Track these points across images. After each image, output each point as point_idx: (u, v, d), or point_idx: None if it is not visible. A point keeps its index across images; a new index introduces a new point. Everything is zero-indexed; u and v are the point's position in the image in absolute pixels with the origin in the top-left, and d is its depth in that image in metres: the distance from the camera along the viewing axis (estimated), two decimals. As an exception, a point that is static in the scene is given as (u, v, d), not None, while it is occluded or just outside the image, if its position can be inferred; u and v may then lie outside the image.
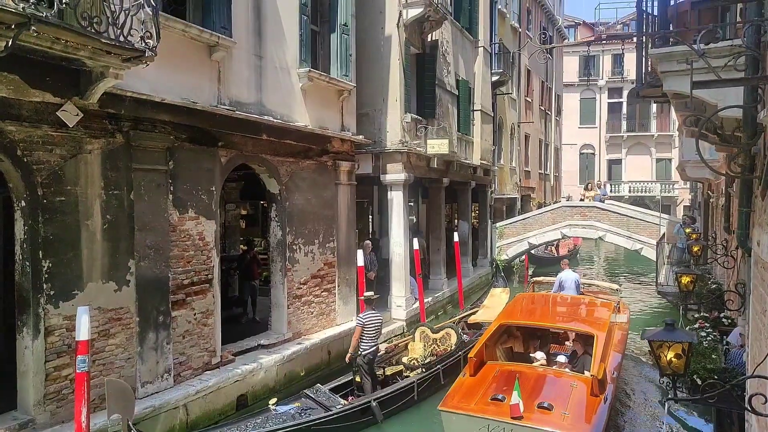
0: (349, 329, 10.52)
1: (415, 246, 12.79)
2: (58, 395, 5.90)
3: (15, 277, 5.89)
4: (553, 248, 24.28)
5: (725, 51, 3.97)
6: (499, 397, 6.61)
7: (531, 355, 8.24)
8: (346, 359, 8.49)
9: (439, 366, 9.15)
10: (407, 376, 9.07)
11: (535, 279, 13.51)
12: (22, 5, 4.63)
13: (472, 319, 11.94)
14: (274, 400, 7.54)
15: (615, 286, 13.53)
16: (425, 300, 13.01)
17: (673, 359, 3.18)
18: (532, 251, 21.32)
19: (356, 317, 8.61)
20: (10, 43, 4.75)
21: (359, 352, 8.20)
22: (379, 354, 8.90)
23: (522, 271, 20.70)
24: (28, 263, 5.77)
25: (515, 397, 6.29)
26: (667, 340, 3.19)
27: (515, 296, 11.12)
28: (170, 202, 7.25)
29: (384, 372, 9.31)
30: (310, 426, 6.90)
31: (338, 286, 10.64)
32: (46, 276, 5.84)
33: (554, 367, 7.65)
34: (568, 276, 12.05)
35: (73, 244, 6.11)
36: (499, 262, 19.65)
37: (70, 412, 5.75)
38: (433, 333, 10.15)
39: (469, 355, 7.68)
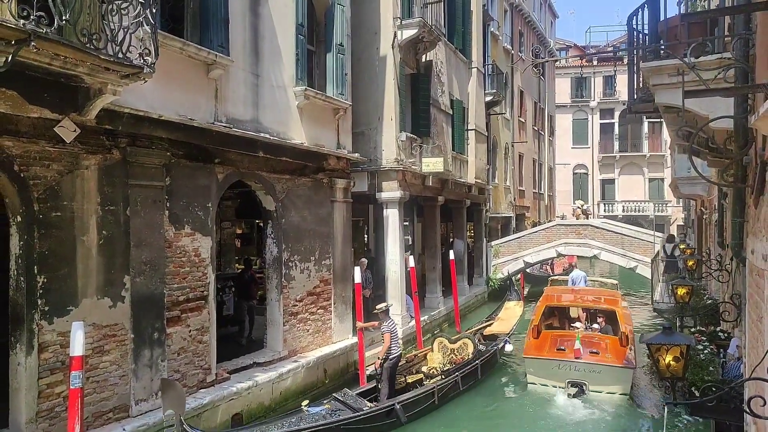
0: (344, 347, 10.49)
1: (411, 264, 12.78)
2: (50, 413, 5.81)
3: (9, 292, 5.84)
4: (548, 267, 24.30)
5: (715, 64, 4.06)
6: (562, 348, 10.25)
7: (572, 325, 11.90)
8: (376, 366, 8.91)
9: (457, 373, 9.83)
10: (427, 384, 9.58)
11: (552, 278, 17.49)
12: (22, 21, 4.69)
13: (488, 331, 12.72)
14: (306, 402, 7.95)
15: (614, 281, 16.23)
16: (421, 318, 12.95)
17: (671, 362, 3.18)
18: (528, 270, 21.32)
19: (384, 324, 8.85)
20: (9, 58, 4.79)
21: (387, 356, 8.71)
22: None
23: (518, 289, 20.66)
24: (22, 279, 5.73)
25: (577, 344, 9.89)
26: (665, 343, 3.20)
27: (545, 289, 14.17)
28: (166, 218, 7.25)
29: (405, 380, 9.76)
30: (340, 425, 7.31)
31: (334, 304, 10.59)
32: (41, 291, 5.80)
33: (590, 332, 11.25)
34: (578, 274, 15.99)
35: (69, 260, 6.09)
36: (494, 281, 19.65)
37: (64, 430, 5.66)
38: (450, 343, 10.81)
39: (531, 325, 11.04)
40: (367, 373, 9.75)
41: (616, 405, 9.46)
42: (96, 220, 6.39)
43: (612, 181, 41.79)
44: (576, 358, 9.77)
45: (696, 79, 3.86)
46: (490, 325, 13.32)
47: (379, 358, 8.93)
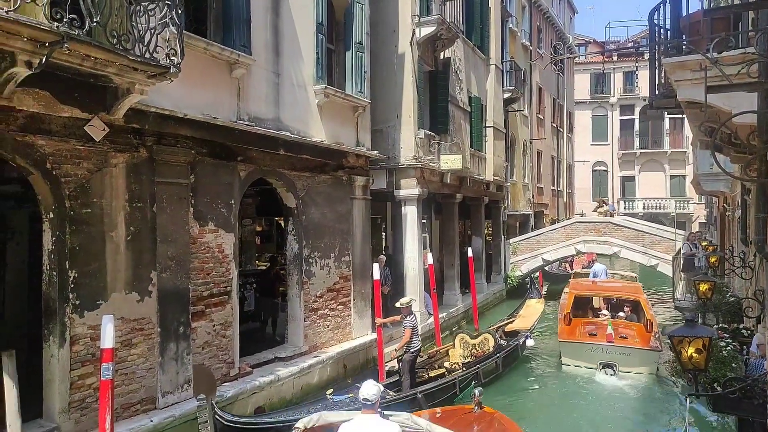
0: (364, 343, 10.59)
1: (430, 261, 12.83)
2: (82, 403, 6.00)
3: (42, 287, 6.03)
4: (567, 265, 24.15)
5: (738, 59, 4.05)
6: (593, 333, 11.43)
7: (600, 313, 12.65)
8: (392, 356, 9.27)
9: (478, 366, 10.09)
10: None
11: (575, 272, 18.74)
12: (56, 24, 4.85)
13: (509, 328, 12.87)
14: (330, 390, 8.14)
15: (633, 274, 17.21)
16: (439, 315, 13.00)
17: (694, 354, 3.20)
18: (546, 268, 21.23)
19: (406, 319, 8.93)
20: (44, 60, 4.96)
21: (407, 350, 8.85)
22: (420, 354, 9.54)
23: (538, 287, 20.58)
24: (55, 274, 5.91)
25: (609, 329, 11.00)
26: (687, 336, 3.22)
27: (571, 281, 15.64)
28: (191, 215, 7.41)
29: (427, 374, 9.94)
30: None
31: (353, 300, 10.70)
32: (72, 286, 5.98)
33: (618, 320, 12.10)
34: (599, 267, 17.48)
35: (99, 255, 6.27)
36: (512, 278, 19.59)
37: (94, 420, 5.84)
38: (471, 339, 11.04)
39: (563, 313, 12.07)
40: (387, 369, 9.84)
41: (644, 384, 10.59)
42: (124, 217, 6.56)
43: (632, 178, 41.30)
44: (608, 342, 10.93)
45: (719, 75, 3.86)
46: (511, 322, 13.45)
47: (395, 350, 9.16)
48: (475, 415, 6.40)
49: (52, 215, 5.94)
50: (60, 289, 5.88)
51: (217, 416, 6.07)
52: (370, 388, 4.38)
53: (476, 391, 6.88)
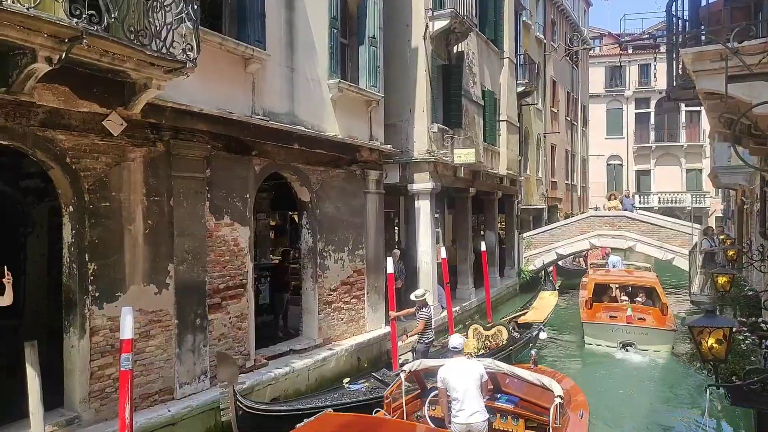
0: (378, 336, 10.65)
1: (443, 255, 12.83)
2: (101, 393, 6.12)
3: (62, 279, 6.14)
4: (581, 260, 23.98)
5: (759, 48, 4.00)
6: (613, 315, 12.63)
7: (619, 298, 13.72)
8: (407, 339, 9.50)
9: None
10: None
11: (592, 263, 20.93)
12: (75, 20, 4.91)
13: (522, 319, 12.95)
14: (347, 379, 8.24)
15: (648, 265, 18.72)
16: (453, 309, 13.00)
17: (714, 345, 3.19)
18: (560, 263, 21.10)
19: (421, 311, 9.09)
20: (63, 55, 5.03)
21: (420, 341, 9.04)
22: (434, 344, 9.58)
23: (552, 280, 20.49)
24: (74, 266, 6.02)
25: (629, 311, 12.30)
26: (708, 326, 3.20)
27: (589, 271, 17.36)
28: (207, 209, 7.48)
29: None
30: (380, 401, 7.21)
31: (367, 294, 10.75)
32: (92, 278, 6.08)
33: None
34: (615, 258, 19.16)
35: (117, 248, 6.36)
36: (526, 273, 19.52)
37: (114, 410, 5.95)
38: (485, 330, 11.06)
39: (585, 299, 13.48)
40: (400, 361, 9.88)
41: (661, 361, 11.71)
42: (142, 211, 6.65)
43: (648, 172, 40.85)
44: (627, 323, 12.09)
45: (739, 65, 3.81)
46: (524, 313, 13.51)
47: (407, 334, 9.40)
48: (533, 371, 6.98)
49: (71, 209, 6.04)
50: (80, 282, 5.99)
51: (238, 402, 6.19)
52: (457, 338, 6.37)
53: (533, 352, 8.43)
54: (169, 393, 6.86)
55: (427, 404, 6.52)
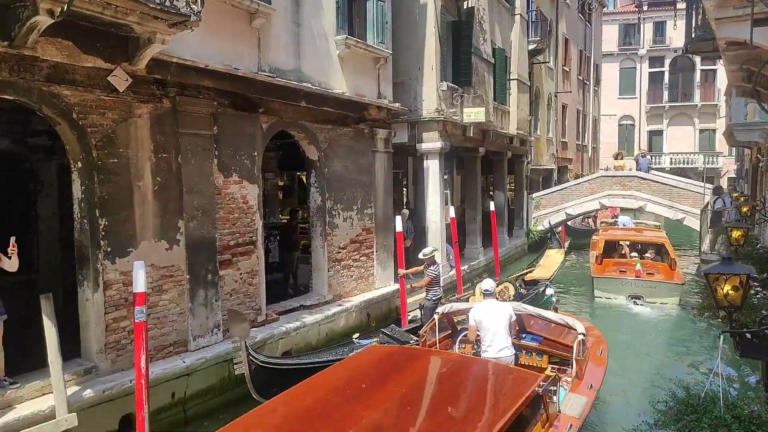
0: (387, 293, 10.78)
1: (452, 215, 12.83)
2: (117, 345, 6.28)
3: (74, 235, 6.23)
4: (590, 220, 23.89)
5: (780, -10, 3.86)
6: (623, 269, 13.01)
7: (630, 254, 14.02)
8: (410, 272, 9.83)
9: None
10: None
11: (603, 222, 20.97)
12: (76, -30, 4.83)
13: (529, 277, 13.19)
14: (357, 335, 8.36)
15: (657, 223, 19.13)
16: (461, 268, 13.08)
17: (729, 292, 3.19)
18: (569, 223, 21.05)
19: (429, 269, 9.09)
20: (65, 8, 4.96)
21: (428, 298, 9.06)
22: (442, 301, 9.44)
23: (559, 239, 20.50)
24: (86, 221, 6.09)
25: (638, 266, 12.74)
26: (724, 273, 3.20)
27: (602, 227, 17.63)
28: (215, 166, 7.49)
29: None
30: None
31: (376, 252, 10.82)
32: (103, 234, 6.16)
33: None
34: (625, 218, 19.74)
35: (127, 204, 6.42)
36: (534, 233, 19.52)
37: (130, 360, 6.11)
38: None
39: (595, 255, 13.78)
40: (409, 317, 10.03)
41: (669, 313, 12.09)
42: (150, 167, 6.67)
43: (660, 133, 40.20)
44: (636, 277, 12.53)
45: (765, 11, 3.69)
46: (531, 271, 13.66)
47: (412, 284, 9.50)
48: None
49: (80, 164, 6.07)
50: (91, 237, 6.07)
51: (251, 357, 6.34)
52: (488, 282, 6.93)
53: (553, 299, 9.29)
54: (183, 345, 7.03)
55: (457, 343, 7.23)
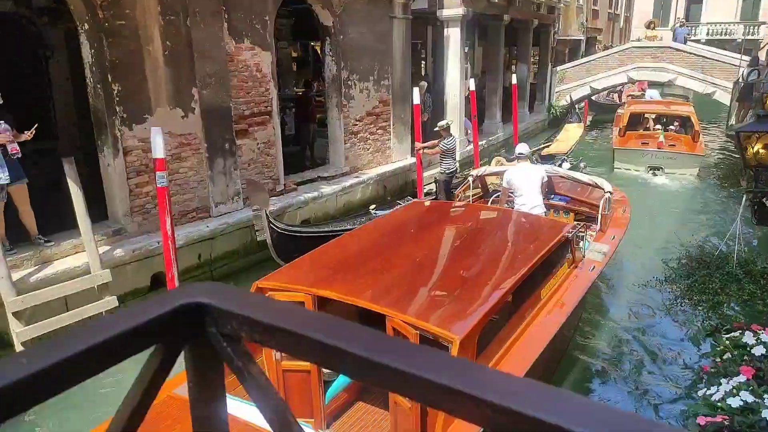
0: (403, 166, 10.79)
1: (471, 87, 12.40)
2: (142, 209, 6.50)
3: (89, 101, 6.19)
4: (615, 95, 23.01)
5: None
6: (645, 141, 12.98)
7: (654, 127, 13.79)
8: (420, 148, 9.47)
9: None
10: None
11: (629, 95, 20.05)
12: None
13: (546, 151, 12.95)
14: (373, 206, 8.51)
15: (687, 96, 19.10)
16: (479, 143, 12.91)
17: (760, 150, 3.10)
18: (593, 98, 20.31)
19: (441, 143, 8.95)
20: None
21: (442, 170, 8.98)
22: (457, 175, 9.48)
23: (581, 116, 19.95)
24: (99, 86, 6.01)
25: (661, 137, 12.69)
26: (758, 131, 3.09)
27: (628, 101, 16.57)
28: (226, 31, 7.19)
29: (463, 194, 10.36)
30: None
31: (393, 125, 10.67)
32: (118, 99, 6.11)
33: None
34: (653, 91, 19.39)
35: (139, 70, 6.28)
36: (556, 107, 18.97)
37: (155, 224, 6.35)
38: (508, 162, 10.75)
39: (619, 126, 13.56)
40: (425, 191, 10.11)
41: (688, 184, 12.36)
42: (159, 30, 6.43)
43: (699, 1, 37.19)
44: (658, 148, 12.52)
45: None
46: (548, 145, 13.45)
47: (418, 149, 9.37)
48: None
49: (86, 26, 5.86)
50: (106, 102, 6.03)
51: (271, 225, 6.55)
52: (523, 145, 7.29)
53: (581, 164, 9.79)
54: (206, 211, 7.25)
55: (489, 203, 7.68)
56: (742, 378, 3.32)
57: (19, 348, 5.01)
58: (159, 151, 5.65)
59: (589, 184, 7.29)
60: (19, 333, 4.98)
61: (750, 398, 3.05)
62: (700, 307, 6.22)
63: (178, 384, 3.13)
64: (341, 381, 4.02)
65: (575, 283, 4.91)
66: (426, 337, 3.21)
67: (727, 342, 3.99)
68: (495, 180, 8.20)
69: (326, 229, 7.35)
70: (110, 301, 5.53)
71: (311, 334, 0.55)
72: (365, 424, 4.04)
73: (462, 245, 4.76)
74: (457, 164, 9.61)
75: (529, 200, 6.51)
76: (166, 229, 5.75)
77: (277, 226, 6.71)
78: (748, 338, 3.94)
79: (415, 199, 7.42)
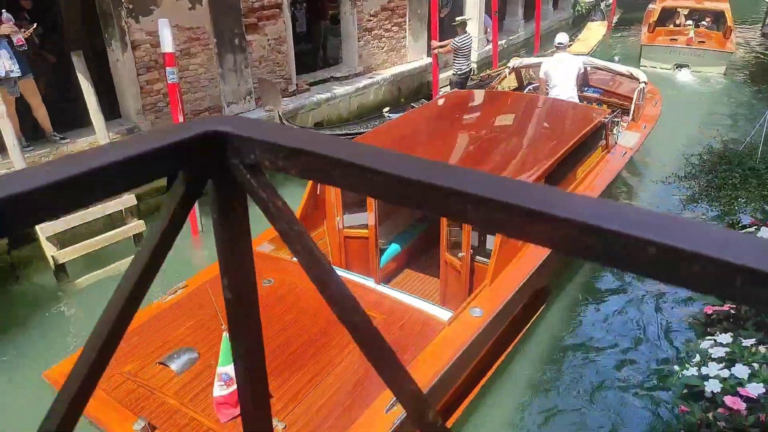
0: (419, 66, 10.42)
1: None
2: (154, 107, 6.41)
3: (92, -8, 5.91)
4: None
5: None
6: (674, 38, 12.44)
7: (684, 23, 13.19)
8: (433, 49, 9.22)
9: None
10: None
11: None
12: None
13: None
14: (387, 108, 8.33)
15: None
16: (499, 42, 12.34)
17: None
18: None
19: (452, 41, 8.55)
20: None
21: (455, 72, 8.64)
22: (472, 77, 9.20)
23: (608, 14, 18.86)
24: (102, -25, 5.71)
25: (691, 33, 12.26)
26: None
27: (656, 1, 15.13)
28: None
29: None
30: None
31: (409, 21, 10.16)
32: (122, -11, 5.82)
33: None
34: None
35: (141, -44, 5.92)
36: (582, 4, 17.90)
37: (168, 122, 6.28)
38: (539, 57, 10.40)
39: (649, 21, 13.15)
40: (440, 93, 9.82)
41: (713, 81, 12.03)
42: None
43: None
44: (687, 45, 12.15)
45: None
46: (569, 45, 12.72)
47: (434, 49, 9.07)
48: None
49: None
50: (110, -8, 5.75)
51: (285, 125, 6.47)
52: (562, 35, 7.25)
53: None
54: (218, 111, 7.13)
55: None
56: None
57: (44, 242, 5.17)
58: (168, 45, 5.45)
59: (625, 75, 7.58)
60: (43, 228, 5.10)
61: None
62: (716, 203, 6.29)
63: (261, 242, 4.02)
64: (393, 248, 4.66)
65: (607, 166, 5.38)
66: None
67: (743, 236, 3.98)
68: (530, 73, 8.44)
69: (340, 132, 7.25)
70: (129, 199, 5.59)
71: (337, 155, 0.53)
72: (416, 284, 4.64)
73: (507, 128, 5.18)
74: (473, 65, 9.24)
75: (564, 91, 6.61)
76: (180, 127, 5.69)
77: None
78: (764, 233, 3.94)
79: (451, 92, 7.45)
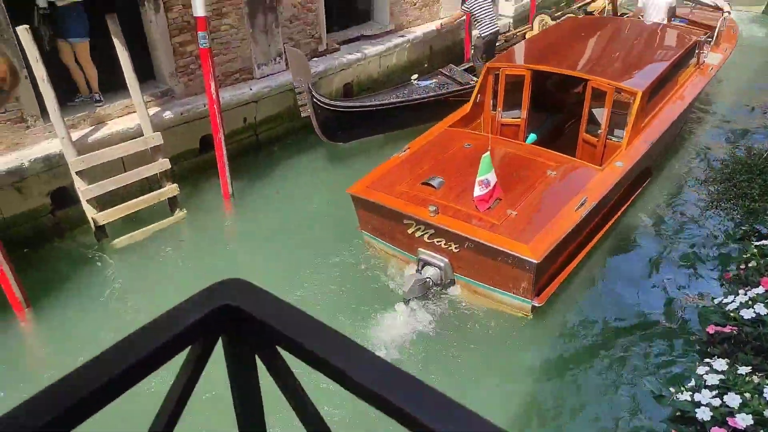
0: (451, 23, 10.09)
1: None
2: (187, 69, 6.43)
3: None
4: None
5: None
6: None
7: None
8: (436, 27, 9.38)
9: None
10: None
11: None
12: None
13: (592, 7, 11.53)
14: (415, 75, 8.20)
15: None
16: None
17: None
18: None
19: (462, 6, 8.21)
20: None
21: (478, 36, 8.36)
22: (498, 36, 8.86)
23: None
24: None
25: None
26: None
27: None
28: None
29: None
30: (448, 98, 7.62)
31: (443, -25, 9.81)
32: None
33: None
34: None
35: None
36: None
37: (200, 86, 6.30)
38: (552, 20, 10.06)
39: None
40: (472, 52, 9.55)
41: (751, 19, 12.16)
42: None
43: None
44: None
45: None
46: (594, 0, 12.12)
47: (441, 24, 9.25)
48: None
49: None
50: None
51: (315, 101, 6.41)
52: None
53: None
54: (249, 73, 7.12)
55: None
56: (761, 290, 3.25)
57: (85, 204, 5.35)
58: (200, 8, 5.43)
59: (710, 5, 8.83)
60: (84, 191, 5.28)
61: (764, 311, 3.00)
62: (735, 212, 5.98)
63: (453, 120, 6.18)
64: (531, 137, 6.25)
65: (698, 79, 6.92)
66: (618, 91, 5.43)
67: (755, 250, 3.86)
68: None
69: (369, 104, 7.16)
70: (164, 163, 5.72)
71: (325, 356, 0.66)
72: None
73: (626, 42, 6.83)
74: (497, 25, 8.75)
75: (656, 20, 7.78)
76: (211, 91, 5.73)
77: (320, 101, 6.54)
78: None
79: (433, 84, 7.93)
